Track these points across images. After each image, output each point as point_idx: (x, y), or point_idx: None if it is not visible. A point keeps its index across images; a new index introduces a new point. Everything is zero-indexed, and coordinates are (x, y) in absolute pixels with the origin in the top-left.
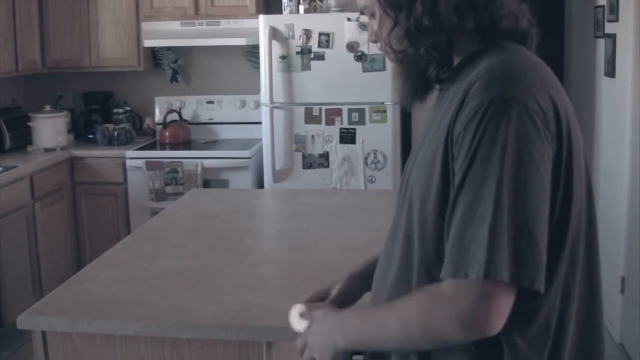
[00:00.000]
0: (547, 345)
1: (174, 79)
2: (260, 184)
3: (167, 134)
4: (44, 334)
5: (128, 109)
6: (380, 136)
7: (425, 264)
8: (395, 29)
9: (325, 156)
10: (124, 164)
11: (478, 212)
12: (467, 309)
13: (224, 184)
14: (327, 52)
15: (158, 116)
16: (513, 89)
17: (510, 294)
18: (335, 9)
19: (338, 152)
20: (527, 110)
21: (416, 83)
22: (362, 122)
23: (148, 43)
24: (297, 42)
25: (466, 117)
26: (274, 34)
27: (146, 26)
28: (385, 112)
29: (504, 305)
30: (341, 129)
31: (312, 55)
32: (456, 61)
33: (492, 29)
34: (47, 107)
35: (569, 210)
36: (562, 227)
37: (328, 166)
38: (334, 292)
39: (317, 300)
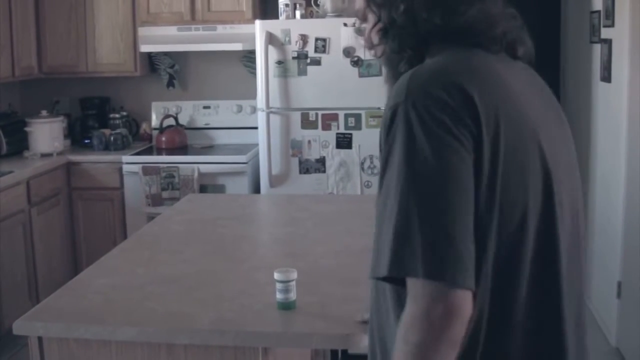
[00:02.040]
0: (477, 345)
1: (170, 83)
2: (256, 189)
3: (164, 138)
4: (40, 339)
5: (124, 113)
6: (376, 141)
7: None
8: (377, 24)
9: (322, 161)
10: (120, 169)
11: (386, 212)
12: (417, 313)
13: (220, 189)
14: (323, 57)
15: (154, 121)
16: (406, 92)
17: (443, 289)
18: (331, 14)
19: (334, 157)
20: (415, 108)
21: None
22: (358, 127)
23: (144, 48)
24: (293, 47)
25: (381, 127)
26: (270, 39)
27: (142, 31)
28: (381, 117)
29: (441, 300)
30: (337, 133)
31: (308, 60)
32: None
33: (458, 33)
34: (44, 112)
35: (491, 213)
36: (483, 230)
37: (324, 171)
38: None
39: None
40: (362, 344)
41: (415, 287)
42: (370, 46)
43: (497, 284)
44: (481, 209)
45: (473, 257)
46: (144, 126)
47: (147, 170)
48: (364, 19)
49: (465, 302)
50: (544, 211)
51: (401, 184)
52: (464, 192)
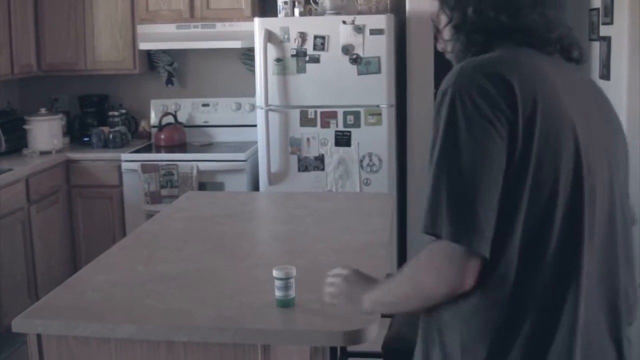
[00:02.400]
0: (502, 307)
1: (169, 81)
2: (255, 187)
3: (163, 136)
4: (39, 336)
5: (123, 111)
6: (375, 139)
7: None
8: (448, 24)
9: (321, 159)
10: (119, 167)
11: (431, 182)
12: (431, 263)
13: (219, 187)
14: (322, 55)
15: (153, 119)
16: (454, 79)
17: (458, 251)
18: (330, 12)
19: (333, 154)
20: (459, 93)
21: None
22: (357, 124)
23: (143, 46)
24: (292, 45)
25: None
26: (269, 36)
27: (141, 29)
28: (380, 114)
29: (453, 264)
30: (336, 131)
31: (307, 58)
32: None
33: (519, 32)
34: (43, 110)
35: (521, 191)
36: (513, 205)
37: (323, 169)
38: None
39: None
40: (361, 341)
41: (437, 244)
42: (442, 43)
43: (523, 255)
44: (512, 186)
45: (492, 228)
46: (143, 124)
47: (146, 168)
48: (437, 21)
49: (472, 272)
50: (571, 196)
51: (438, 157)
52: (490, 169)
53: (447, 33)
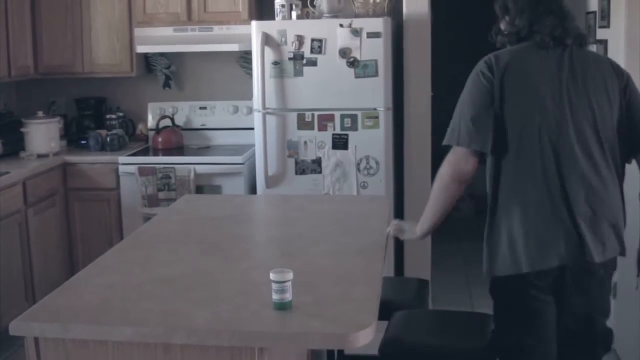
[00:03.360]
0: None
1: (166, 84)
2: (252, 190)
3: (160, 139)
4: (36, 339)
5: (120, 114)
6: (372, 142)
7: None
8: (503, 31)
9: (318, 162)
10: (117, 170)
11: None
12: (446, 160)
13: (217, 190)
14: (320, 58)
15: (150, 122)
16: (481, 60)
17: (461, 151)
18: (327, 15)
19: (330, 157)
20: (477, 68)
21: None
22: (354, 127)
23: (140, 49)
24: (290, 48)
25: None
26: (267, 39)
27: (139, 32)
28: (377, 117)
29: (457, 156)
30: (333, 134)
31: (304, 61)
32: None
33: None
34: (40, 113)
35: (500, 125)
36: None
37: (320, 172)
38: None
39: None
40: (358, 344)
41: (451, 150)
42: (496, 41)
43: (500, 164)
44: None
45: (487, 135)
46: (140, 127)
47: (144, 171)
48: (498, 24)
49: (471, 161)
50: (529, 133)
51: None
52: (479, 104)
53: (500, 35)
